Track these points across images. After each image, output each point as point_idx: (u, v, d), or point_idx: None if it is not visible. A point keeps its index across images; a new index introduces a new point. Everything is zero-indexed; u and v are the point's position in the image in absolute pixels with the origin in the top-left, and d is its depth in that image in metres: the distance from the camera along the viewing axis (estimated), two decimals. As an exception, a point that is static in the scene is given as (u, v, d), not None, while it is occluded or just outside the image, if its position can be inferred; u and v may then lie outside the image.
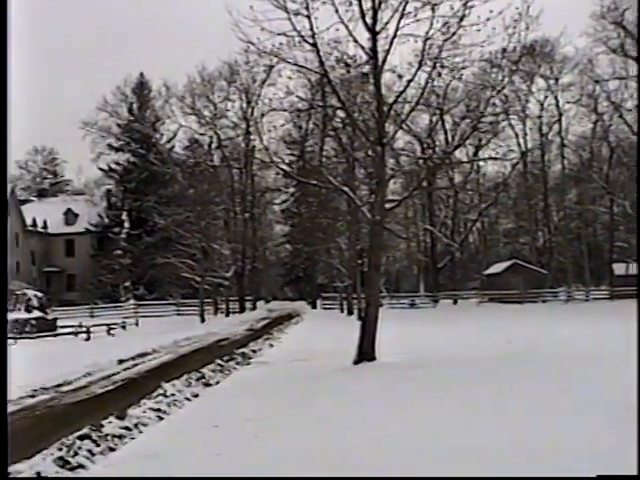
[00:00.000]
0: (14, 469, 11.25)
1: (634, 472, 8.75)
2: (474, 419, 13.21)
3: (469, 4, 21.52)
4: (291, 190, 79.46)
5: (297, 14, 22.06)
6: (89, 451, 12.27)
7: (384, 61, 22.97)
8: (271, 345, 32.66)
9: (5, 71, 10.90)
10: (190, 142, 79.05)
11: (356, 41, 22.73)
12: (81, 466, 11.64)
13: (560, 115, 73.12)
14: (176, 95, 77.04)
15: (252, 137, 70.21)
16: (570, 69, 71.67)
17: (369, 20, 22.31)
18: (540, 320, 42.58)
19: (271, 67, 26.22)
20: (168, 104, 79.08)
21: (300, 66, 24.53)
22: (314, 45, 22.67)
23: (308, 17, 22.11)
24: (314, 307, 71.15)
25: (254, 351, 29.71)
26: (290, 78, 25.48)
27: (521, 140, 73.93)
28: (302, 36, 22.46)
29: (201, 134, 76.91)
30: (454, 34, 22.03)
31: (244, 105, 73.68)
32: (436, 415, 13.85)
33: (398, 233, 64.46)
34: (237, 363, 25.60)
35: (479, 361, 22.09)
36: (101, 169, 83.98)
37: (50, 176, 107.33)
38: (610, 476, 8.40)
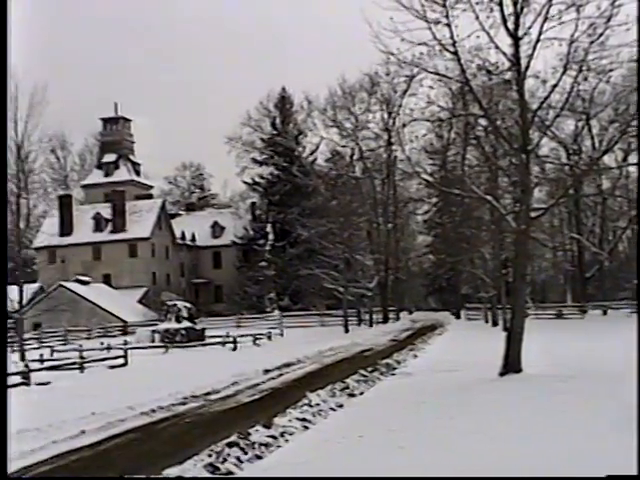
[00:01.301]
0: (166, 473, 11.62)
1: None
2: (621, 437, 12.66)
3: (617, 3, 20.67)
4: (434, 200, 78.78)
5: (437, 23, 21.91)
6: (237, 458, 12.53)
7: (527, 67, 22.46)
8: (415, 356, 32.44)
9: (5, 72, 11.44)
10: (332, 154, 79.82)
11: (498, 47, 22.33)
12: (230, 473, 11.89)
13: None
14: (318, 108, 78.19)
15: (394, 148, 70.27)
16: None
17: (511, 26, 21.88)
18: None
19: (412, 77, 26.04)
20: (310, 117, 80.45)
21: (441, 75, 24.34)
22: (455, 53, 22.45)
23: (448, 25, 21.92)
24: (458, 317, 70.27)
25: (398, 362, 29.59)
26: (431, 87, 25.23)
27: (675, 143, 70.59)
28: (443, 45, 22.28)
29: (343, 146, 77.54)
30: (601, 35, 21.24)
31: (385, 116, 73.81)
32: (582, 430, 13.38)
33: (544, 242, 62.78)
34: (381, 374, 25.57)
35: (629, 375, 21.16)
36: (246, 182, 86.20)
37: (197, 190, 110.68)
38: (620, 476, 8.15)
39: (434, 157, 75.24)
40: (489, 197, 28.58)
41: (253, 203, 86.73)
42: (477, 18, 21.63)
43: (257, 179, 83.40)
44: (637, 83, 23.05)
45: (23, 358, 37.79)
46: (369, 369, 26.16)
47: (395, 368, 27.44)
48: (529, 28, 21.80)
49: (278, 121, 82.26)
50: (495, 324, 54.45)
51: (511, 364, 22.34)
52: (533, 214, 24.80)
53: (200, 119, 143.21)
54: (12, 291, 40.29)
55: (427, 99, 25.02)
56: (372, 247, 71.40)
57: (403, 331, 53.32)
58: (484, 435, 13.46)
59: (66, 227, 79.97)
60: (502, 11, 21.68)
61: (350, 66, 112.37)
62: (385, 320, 69.13)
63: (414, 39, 22.08)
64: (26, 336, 46.33)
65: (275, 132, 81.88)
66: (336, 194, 67.43)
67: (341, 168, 73.97)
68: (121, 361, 34.29)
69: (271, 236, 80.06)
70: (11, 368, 30.22)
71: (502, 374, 22.18)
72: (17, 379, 27.86)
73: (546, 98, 23.30)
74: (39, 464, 13.43)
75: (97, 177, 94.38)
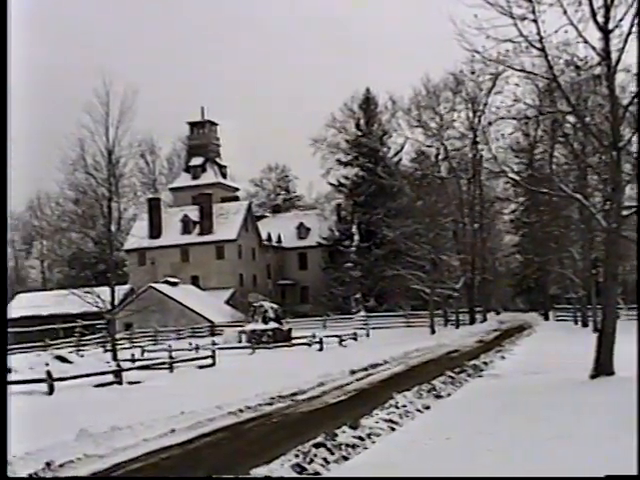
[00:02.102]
0: (254, 472, 11.71)
1: None
2: None
3: None
4: (521, 199, 77.43)
5: (523, 19, 21.50)
6: (324, 459, 12.53)
7: (618, 61, 21.82)
8: (502, 357, 31.96)
9: (5, 72, 11.51)
10: (417, 154, 79.41)
11: (587, 42, 21.75)
12: (317, 473, 11.91)
13: None
14: (402, 108, 77.86)
15: (479, 147, 69.26)
16: None
17: (600, 19, 21.28)
18: None
19: (497, 75, 25.72)
20: (394, 118, 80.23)
21: (528, 72, 23.94)
22: (542, 49, 22.01)
23: (535, 21, 21.49)
24: (546, 319, 69.04)
25: (485, 363, 29.22)
26: (517, 85, 24.85)
27: None
28: (529, 41, 21.86)
29: (428, 146, 76.99)
30: (698, 25, 20.49)
31: (470, 115, 72.87)
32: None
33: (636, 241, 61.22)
34: (468, 375, 25.29)
35: None
36: (331, 184, 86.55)
37: (283, 192, 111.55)
38: (618, 476, 7.91)
39: (521, 155, 73.80)
40: (578, 195, 27.95)
41: (338, 204, 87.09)
42: (565, 12, 21.12)
43: (342, 180, 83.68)
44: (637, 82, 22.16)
45: (115, 357, 38.69)
46: (456, 370, 25.89)
47: (482, 370, 27.10)
48: (620, 21, 21.13)
49: (362, 122, 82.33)
50: (585, 325, 53.33)
51: (602, 366, 21.79)
52: (625, 212, 24.14)
53: (285, 121, 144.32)
54: (104, 292, 41.25)
55: (513, 97, 24.67)
56: (458, 247, 70.69)
57: (490, 332, 52.66)
58: (574, 438, 13.17)
59: (155, 230, 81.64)
60: (591, 4, 21.10)
61: (434, 65, 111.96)
62: (472, 321, 68.36)
63: (499, 36, 21.73)
64: (118, 336, 47.40)
65: (360, 133, 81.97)
66: (421, 194, 66.95)
67: (426, 168, 73.40)
68: (209, 361, 34.77)
69: (357, 237, 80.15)
70: (104, 367, 31.07)
71: (593, 376, 21.66)
72: (110, 378, 28.57)
73: (638, 93, 22.63)
74: (131, 461, 13.75)
75: (185, 180, 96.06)
